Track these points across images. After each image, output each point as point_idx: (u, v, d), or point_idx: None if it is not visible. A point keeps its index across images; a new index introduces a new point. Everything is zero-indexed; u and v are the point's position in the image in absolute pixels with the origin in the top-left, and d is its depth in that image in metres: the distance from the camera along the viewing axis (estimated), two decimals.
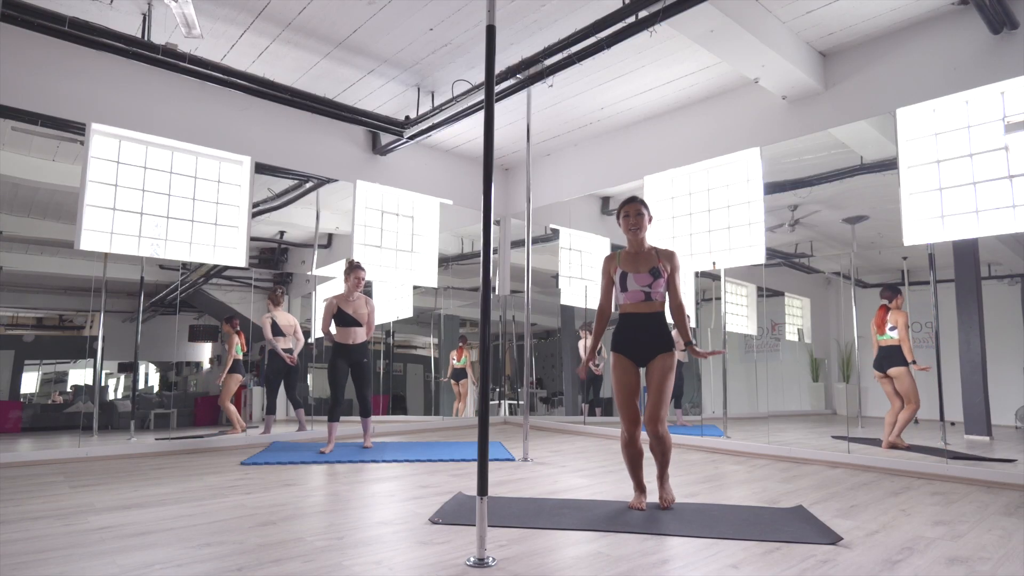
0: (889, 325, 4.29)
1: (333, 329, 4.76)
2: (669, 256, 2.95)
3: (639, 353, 2.89)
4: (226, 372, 5.21)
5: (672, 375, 2.86)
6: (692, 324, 5.68)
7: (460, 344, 7.08)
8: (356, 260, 4.90)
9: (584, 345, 6.56)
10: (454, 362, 7.04)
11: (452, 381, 7.04)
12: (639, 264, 2.91)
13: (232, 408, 5.24)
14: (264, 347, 5.37)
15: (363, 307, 4.80)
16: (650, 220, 2.99)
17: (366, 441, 4.80)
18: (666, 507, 2.84)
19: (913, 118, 4.19)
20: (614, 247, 6.47)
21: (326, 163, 5.82)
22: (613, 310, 3.04)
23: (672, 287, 2.93)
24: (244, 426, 5.30)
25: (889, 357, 4.28)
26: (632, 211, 2.96)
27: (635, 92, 5.32)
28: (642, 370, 2.94)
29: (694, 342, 2.94)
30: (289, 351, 5.29)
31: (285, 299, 5.48)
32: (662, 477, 2.92)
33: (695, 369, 5.63)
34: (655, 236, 5.57)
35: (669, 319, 2.95)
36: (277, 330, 5.30)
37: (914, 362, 4.17)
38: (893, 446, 4.18)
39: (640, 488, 2.92)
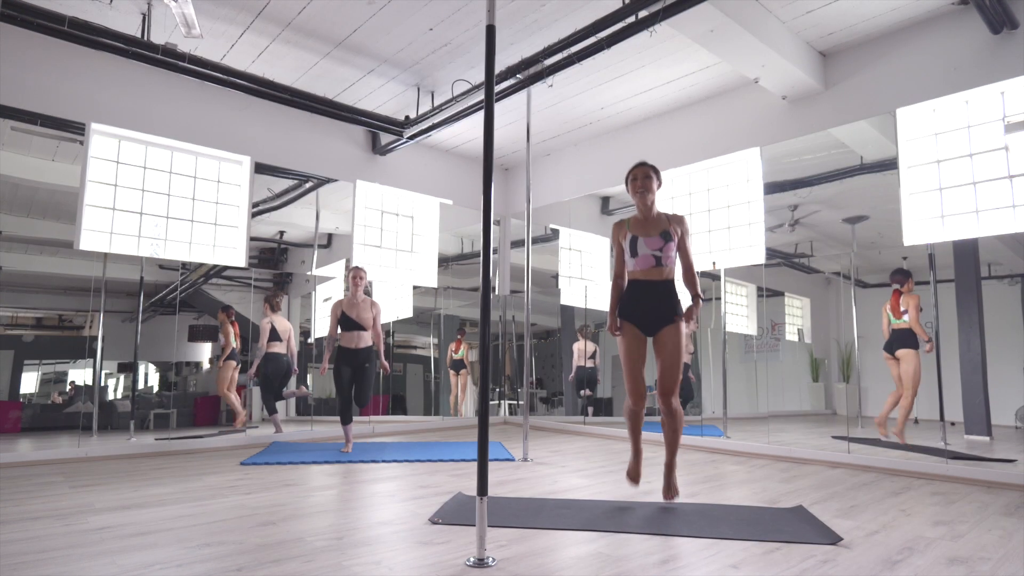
0: (902, 308, 4.29)
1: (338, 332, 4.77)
2: (679, 220, 2.91)
3: (647, 322, 2.83)
4: (223, 360, 5.27)
5: (683, 346, 2.82)
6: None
7: (458, 336, 7.08)
8: (356, 264, 4.93)
9: (580, 348, 6.57)
10: (452, 354, 7.06)
11: (451, 371, 7.06)
12: (649, 228, 2.86)
13: (232, 397, 5.27)
14: (258, 358, 5.37)
15: (367, 311, 4.77)
16: (659, 185, 2.93)
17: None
18: (670, 499, 2.84)
19: (913, 118, 4.19)
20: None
21: (326, 163, 5.82)
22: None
23: (683, 250, 2.89)
24: (244, 417, 5.31)
25: (900, 340, 4.27)
26: (640, 174, 2.90)
27: (635, 92, 5.32)
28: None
29: (701, 297, 2.87)
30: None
31: (282, 305, 5.54)
32: (670, 465, 2.88)
33: (695, 369, 5.63)
34: None
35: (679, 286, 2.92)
36: (275, 335, 5.34)
37: (929, 340, 4.15)
38: (894, 443, 4.17)
39: (637, 454, 2.93)
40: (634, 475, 2.95)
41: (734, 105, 5.18)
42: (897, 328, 4.32)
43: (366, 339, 4.75)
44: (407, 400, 7.08)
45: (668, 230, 2.85)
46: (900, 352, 4.26)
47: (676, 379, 2.80)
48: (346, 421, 4.69)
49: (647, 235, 2.85)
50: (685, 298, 2.92)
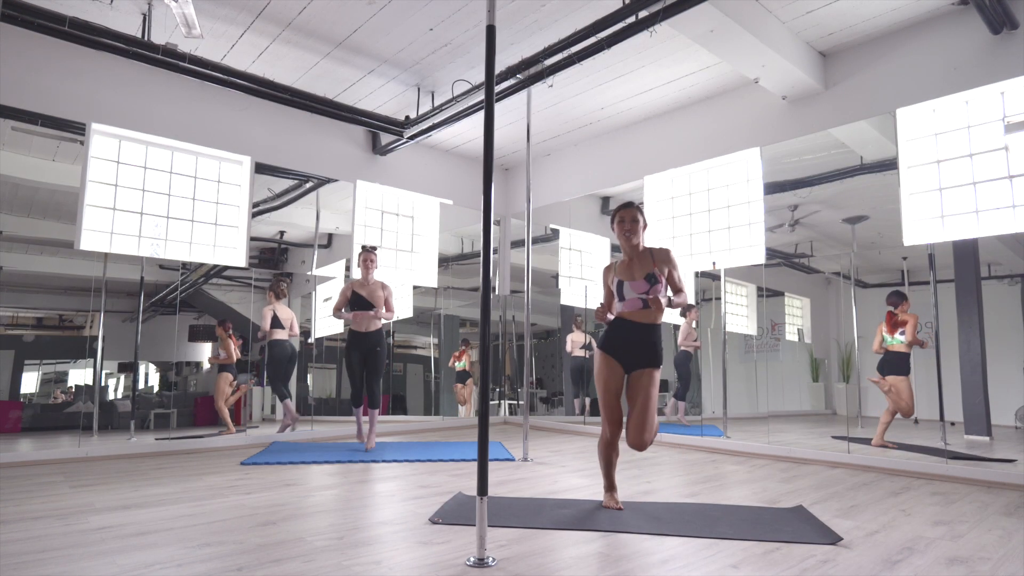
0: (899, 330, 4.27)
1: (347, 314, 4.68)
2: (664, 257, 2.89)
3: (628, 360, 2.84)
4: (212, 364, 5.31)
5: (657, 393, 2.84)
6: (694, 325, 5.67)
7: (462, 347, 7.09)
8: (368, 244, 4.84)
9: (573, 339, 6.60)
10: (456, 363, 7.05)
11: (457, 383, 7.05)
12: (634, 271, 2.86)
13: (225, 412, 5.27)
14: (263, 345, 5.38)
15: (379, 291, 4.66)
16: (645, 227, 2.94)
17: (369, 440, 4.65)
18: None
19: (913, 118, 4.19)
20: (614, 248, 6.47)
21: (326, 163, 5.82)
22: (611, 317, 3.00)
23: (672, 281, 2.88)
24: (233, 430, 5.29)
25: (891, 364, 4.26)
26: (627, 216, 2.90)
27: (635, 92, 5.32)
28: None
29: (675, 302, 2.85)
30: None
31: (288, 292, 5.53)
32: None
33: (695, 369, 5.63)
34: (655, 237, 5.58)
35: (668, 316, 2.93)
36: (277, 323, 5.36)
37: (921, 344, 4.15)
38: (882, 446, 4.17)
39: (612, 487, 2.92)
40: (614, 503, 2.87)
41: (734, 105, 5.18)
42: (891, 349, 4.29)
43: (376, 322, 4.67)
44: (407, 400, 7.09)
45: (653, 272, 2.83)
46: (890, 379, 4.25)
47: (651, 428, 2.78)
48: (357, 403, 4.65)
49: (632, 279, 2.85)
50: (667, 347, 2.95)
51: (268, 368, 5.35)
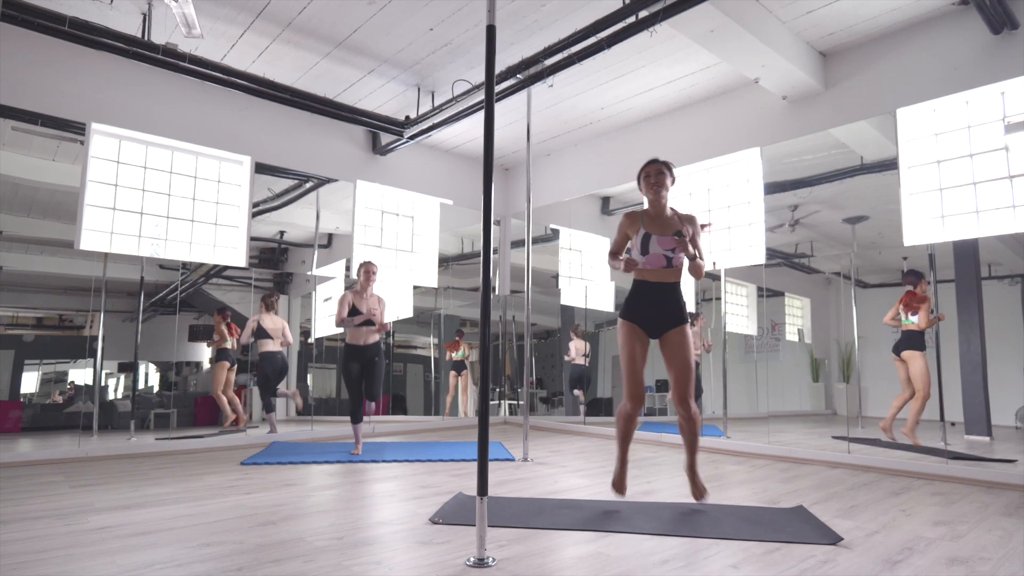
0: (912, 312, 4.27)
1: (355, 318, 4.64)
2: (691, 220, 2.87)
3: (653, 324, 2.78)
4: (214, 358, 5.32)
5: (692, 347, 2.77)
6: (704, 322, 5.66)
7: (456, 337, 7.09)
8: (368, 260, 4.85)
9: (575, 346, 6.59)
10: (452, 354, 7.06)
11: (452, 372, 7.06)
12: (664, 227, 2.79)
13: (223, 399, 5.28)
14: (259, 347, 5.39)
15: (376, 305, 4.69)
16: (673, 182, 2.87)
17: (364, 409, 4.62)
18: (700, 499, 2.79)
19: (913, 118, 4.19)
20: None
21: (326, 163, 5.82)
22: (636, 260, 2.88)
23: (695, 244, 2.84)
24: (242, 417, 5.30)
25: (906, 341, 4.25)
26: (653, 171, 2.85)
27: (635, 92, 5.31)
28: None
29: (700, 259, 2.79)
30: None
31: (277, 304, 5.53)
32: (692, 467, 2.83)
33: (701, 377, 5.63)
34: None
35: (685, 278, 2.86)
36: (263, 333, 5.33)
37: (939, 319, 4.13)
38: (896, 444, 4.15)
39: (625, 463, 2.85)
40: (620, 486, 2.87)
41: (734, 105, 5.18)
42: (906, 329, 4.29)
43: (374, 335, 4.68)
44: (407, 400, 7.09)
45: (681, 231, 2.80)
46: (905, 354, 4.24)
47: (690, 382, 2.74)
48: (356, 420, 4.59)
49: (661, 234, 2.78)
50: (690, 302, 2.90)
51: (259, 379, 5.35)
